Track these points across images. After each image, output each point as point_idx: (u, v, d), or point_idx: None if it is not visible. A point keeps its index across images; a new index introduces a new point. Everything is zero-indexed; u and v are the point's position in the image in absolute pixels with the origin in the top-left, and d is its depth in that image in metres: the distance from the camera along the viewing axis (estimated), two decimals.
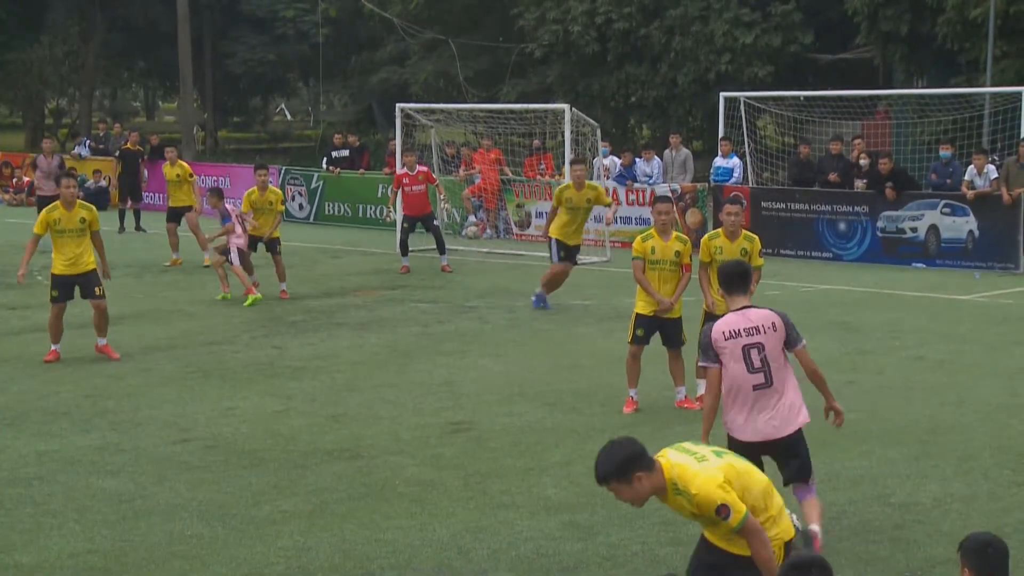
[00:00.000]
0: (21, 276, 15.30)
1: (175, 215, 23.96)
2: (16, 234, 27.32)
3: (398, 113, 26.67)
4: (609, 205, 19.88)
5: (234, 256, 19.65)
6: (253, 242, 20.01)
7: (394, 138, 27.46)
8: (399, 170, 23.66)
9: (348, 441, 11.59)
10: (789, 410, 8.37)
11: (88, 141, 38.39)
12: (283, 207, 20.43)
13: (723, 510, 6.35)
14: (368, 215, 30.17)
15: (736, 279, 8.52)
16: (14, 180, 37.14)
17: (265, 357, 15.27)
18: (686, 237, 13.13)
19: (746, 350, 8.23)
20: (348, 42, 49.79)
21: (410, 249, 23.06)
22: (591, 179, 26.55)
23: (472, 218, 27.61)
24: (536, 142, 28.90)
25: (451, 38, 41.13)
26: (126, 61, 61.74)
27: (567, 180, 20.48)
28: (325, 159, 31.97)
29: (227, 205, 20.41)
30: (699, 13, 33.76)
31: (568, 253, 18.74)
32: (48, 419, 12.39)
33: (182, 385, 13.86)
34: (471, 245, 25.02)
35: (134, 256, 23.55)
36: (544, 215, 27.30)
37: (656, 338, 12.99)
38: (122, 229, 28.17)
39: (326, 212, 31.00)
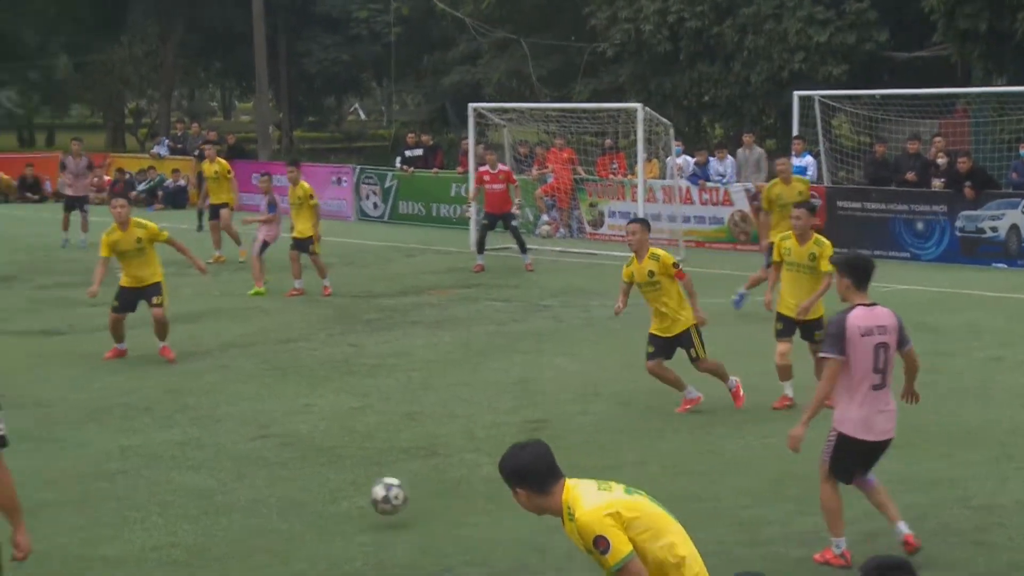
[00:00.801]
0: (91, 292, 15.17)
1: (215, 212, 24.22)
2: (95, 233, 27.70)
3: (471, 112, 26.71)
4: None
5: (256, 247, 19.90)
6: (302, 244, 19.93)
7: (467, 137, 27.52)
8: (480, 168, 23.76)
9: (424, 439, 11.63)
10: (894, 412, 8.44)
11: (167, 141, 38.86)
12: (315, 201, 20.17)
13: (601, 542, 5.76)
14: (441, 214, 30.24)
15: (865, 273, 8.52)
16: (95, 179, 37.59)
17: (341, 355, 15.36)
18: (822, 241, 12.64)
19: (876, 348, 8.25)
20: (421, 42, 49.93)
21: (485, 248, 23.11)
22: (664, 178, 26.58)
23: (545, 217, 27.59)
24: (608, 141, 28.82)
25: (523, 37, 41.14)
26: (203, 61, 62.37)
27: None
28: (399, 158, 32.08)
29: (276, 196, 20.65)
30: (772, 11, 33.49)
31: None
32: (130, 414, 12.56)
33: (260, 382, 13.99)
34: (544, 244, 25.00)
35: (211, 254, 23.73)
36: (617, 215, 27.26)
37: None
38: (200, 227, 28.45)
39: (400, 211, 31.11)
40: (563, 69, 41.47)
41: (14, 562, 6.35)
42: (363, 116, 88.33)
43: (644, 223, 12.89)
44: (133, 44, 53.45)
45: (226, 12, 52.42)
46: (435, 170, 31.01)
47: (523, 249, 22.85)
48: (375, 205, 31.69)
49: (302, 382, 13.95)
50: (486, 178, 22.97)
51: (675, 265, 12.47)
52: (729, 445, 11.50)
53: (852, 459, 8.39)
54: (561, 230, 27.71)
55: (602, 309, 18.64)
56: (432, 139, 33.64)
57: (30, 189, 36.19)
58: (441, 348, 15.82)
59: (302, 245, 19.96)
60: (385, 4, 47.90)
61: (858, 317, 8.28)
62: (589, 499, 5.85)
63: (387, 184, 31.50)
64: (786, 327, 12.61)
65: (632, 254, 12.66)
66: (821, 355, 8.42)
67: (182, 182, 34.17)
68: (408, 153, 31.76)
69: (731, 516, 9.51)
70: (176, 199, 34.07)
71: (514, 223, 23.10)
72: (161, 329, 15.00)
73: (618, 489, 5.99)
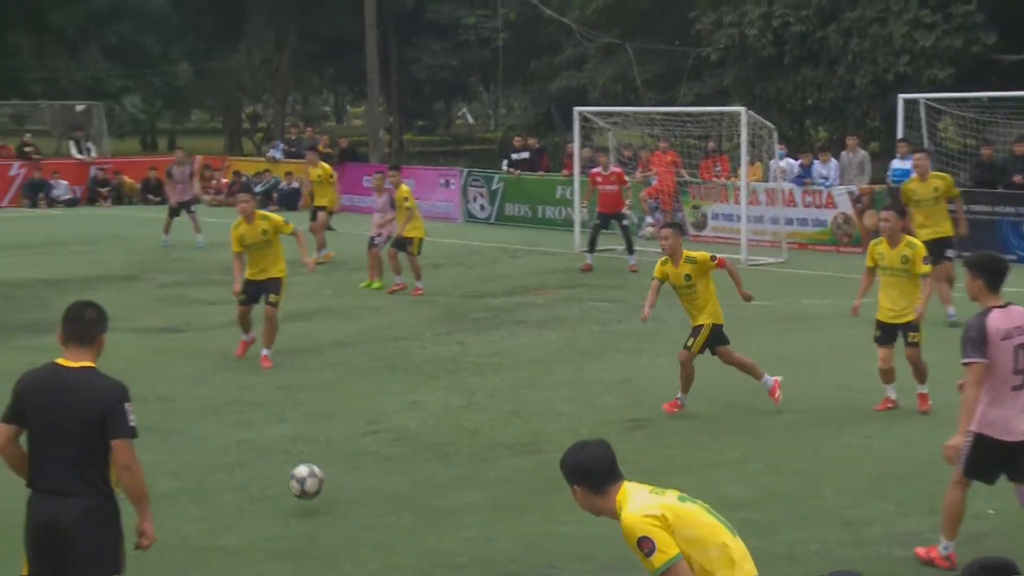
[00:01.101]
0: (235, 292, 15.14)
1: (315, 214, 24.48)
2: (215, 233, 28.18)
3: (576, 116, 26.73)
4: (959, 196, 18.00)
5: (382, 242, 20.57)
6: (402, 243, 20.29)
7: (572, 141, 27.55)
8: (592, 169, 23.84)
9: (529, 436, 11.68)
10: None
11: (281, 144, 39.44)
12: (410, 203, 20.39)
13: (645, 544, 5.51)
14: (547, 216, 30.29)
15: (999, 275, 8.28)
16: (213, 182, 38.28)
17: (449, 353, 15.47)
18: (915, 241, 12.44)
19: (1016, 350, 8.05)
20: (528, 47, 50.04)
21: (585, 250, 23.13)
22: (767, 181, 26.37)
23: (649, 219, 27.51)
24: (712, 144, 28.66)
25: (628, 42, 41.03)
26: (317, 68, 63.09)
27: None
28: (505, 161, 32.20)
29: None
30: (877, 15, 33.01)
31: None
32: (246, 409, 12.78)
33: (370, 379, 14.14)
34: (648, 245, 24.87)
35: (321, 253, 24.03)
36: (720, 217, 27.11)
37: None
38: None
39: (506, 213, 31.22)
40: (667, 73, 41.28)
41: (138, 550, 6.49)
42: (471, 120, 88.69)
43: (677, 228, 12.92)
44: (250, 52, 54.34)
45: (339, 20, 52.97)
46: (541, 173, 31.08)
47: (630, 250, 22.85)
48: (482, 207, 31.84)
49: (411, 379, 14.07)
50: (599, 179, 23.07)
51: (712, 258, 12.42)
52: (830, 445, 11.39)
53: (989, 460, 8.15)
54: None
55: None
56: (538, 142, 33.70)
57: (152, 191, 36.83)
58: (546, 347, 15.86)
59: (401, 244, 20.26)
60: (493, 10, 48.05)
61: (996, 319, 8.02)
62: (636, 501, 5.63)
63: (494, 186, 31.63)
64: (884, 333, 12.39)
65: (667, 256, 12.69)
66: (964, 361, 8.03)
67: (296, 184, 34.61)
68: (514, 156, 31.87)
69: (833, 515, 9.43)
70: (290, 201, 34.54)
71: (625, 223, 23.16)
72: (269, 329, 14.78)
73: (671, 495, 5.74)
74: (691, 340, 12.55)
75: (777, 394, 12.59)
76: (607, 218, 23.09)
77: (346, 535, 9.14)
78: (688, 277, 12.43)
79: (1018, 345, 8.02)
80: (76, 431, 6.10)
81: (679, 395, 12.61)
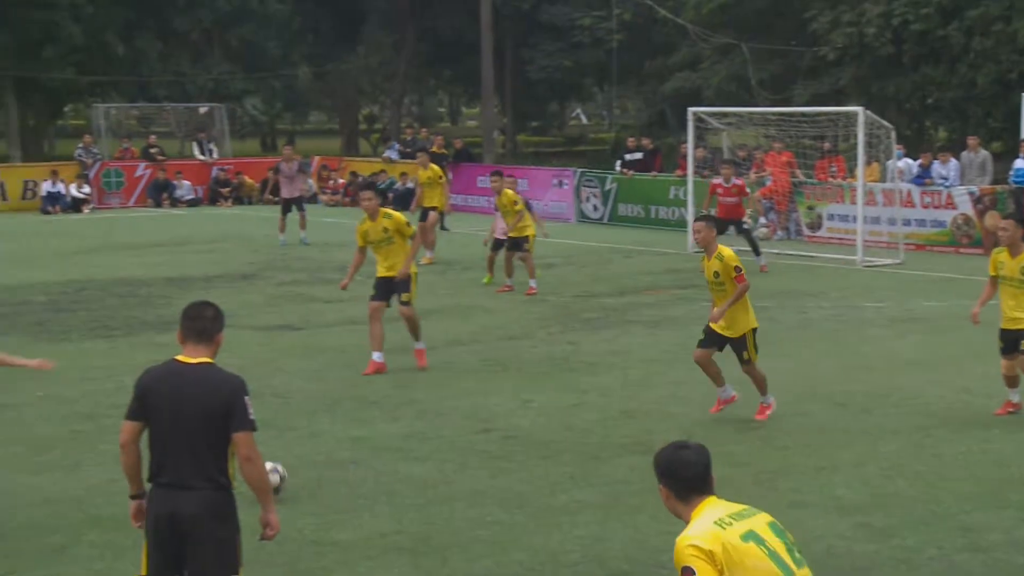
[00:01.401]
0: (342, 285, 15.13)
1: (425, 215, 24.50)
2: (332, 233, 28.50)
3: (690, 117, 26.54)
4: None
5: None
6: (516, 243, 20.48)
7: (686, 141, 27.36)
8: (714, 180, 23.66)
9: (641, 435, 11.61)
10: None
11: (397, 145, 39.74)
12: (520, 207, 20.55)
13: (686, 573, 5.25)
14: (660, 216, 30.13)
15: None
16: (331, 182, 38.73)
17: (560, 352, 15.45)
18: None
19: None
20: (642, 47, 49.84)
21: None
22: (884, 181, 25.90)
23: (763, 220, 27.23)
24: (828, 145, 28.25)
25: (743, 42, 40.66)
26: (433, 70, 63.53)
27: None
28: (619, 161, 32.11)
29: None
30: (1001, 12, 32.30)
31: None
32: (360, 407, 12.87)
33: (482, 378, 14.16)
34: (761, 246, 24.60)
35: (438, 254, 24.19)
36: (836, 218, 26.70)
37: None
38: (444, 228, 28.91)
39: (619, 213, 31.13)
40: (783, 73, 40.83)
41: (262, 541, 6.54)
42: (584, 120, 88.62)
43: (709, 220, 12.46)
44: (368, 54, 54.89)
45: (456, 22, 53.33)
46: (654, 173, 30.92)
47: (757, 251, 22.68)
48: (595, 207, 31.78)
49: (523, 378, 14.07)
50: (719, 191, 22.92)
51: (737, 269, 11.93)
52: (948, 449, 11.14)
53: None
54: (779, 232, 27.30)
55: (819, 311, 18.32)
56: (652, 143, 33.54)
57: (272, 192, 37.34)
58: (658, 347, 15.76)
59: (517, 244, 20.39)
60: (608, 11, 47.93)
61: None
62: (698, 526, 5.31)
63: (607, 187, 31.55)
64: (1006, 343, 12.07)
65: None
66: None
67: (410, 184, 34.78)
68: (628, 156, 31.76)
69: (951, 521, 9.22)
70: (404, 201, 34.63)
71: (745, 226, 22.99)
72: (411, 327, 14.67)
73: (738, 529, 5.28)
74: (745, 353, 12.17)
75: (721, 407, 12.34)
76: (725, 224, 22.87)
77: (458, 532, 9.15)
78: (716, 274, 12.10)
79: None
80: (197, 425, 6.18)
81: (720, 391, 12.33)
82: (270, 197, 32.21)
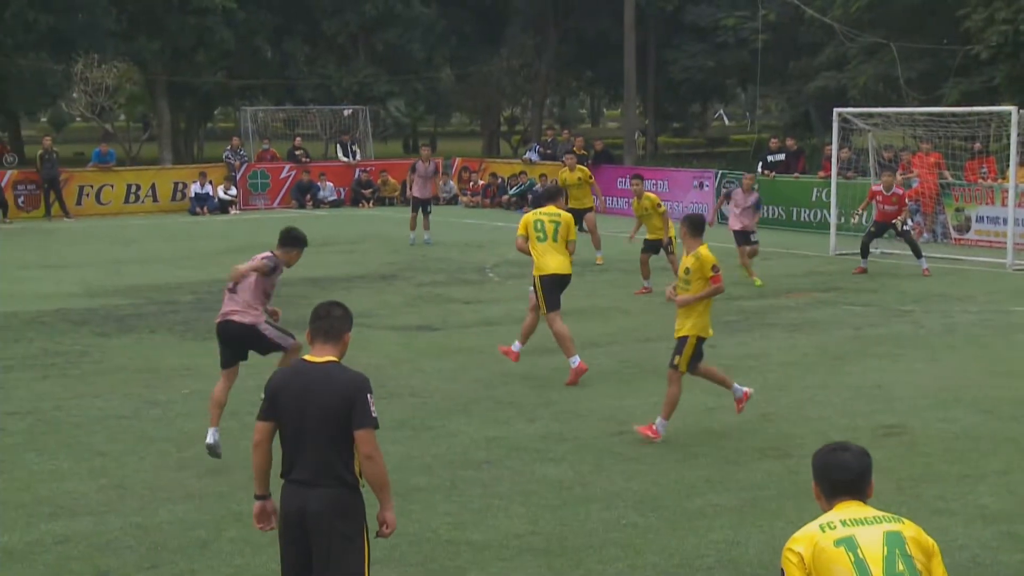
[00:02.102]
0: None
1: (579, 218, 24.29)
2: (472, 234, 28.71)
3: (835, 117, 26.13)
4: None
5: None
6: (655, 245, 20.61)
7: (830, 142, 26.94)
8: (874, 186, 23.31)
9: (778, 440, 11.47)
10: None
11: (538, 147, 39.85)
12: (663, 208, 20.89)
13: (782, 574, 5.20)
14: (803, 218, 29.73)
15: None
16: (471, 184, 39.01)
17: None
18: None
19: None
20: (787, 47, 49.26)
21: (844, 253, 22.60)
22: None
23: (910, 222, 26.66)
24: (978, 145, 27.58)
25: (892, 41, 39.87)
26: (575, 71, 63.62)
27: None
28: (760, 163, 31.76)
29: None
30: None
31: None
32: (497, 407, 12.93)
33: (619, 379, 14.14)
34: (907, 249, 24.14)
35: (575, 256, 24.10)
36: (985, 220, 26.03)
37: None
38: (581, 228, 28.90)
39: (761, 215, 30.71)
40: (932, 72, 39.94)
41: (379, 538, 6.62)
42: (727, 122, 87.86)
43: (686, 220, 11.84)
44: (511, 56, 55.20)
45: (599, 23, 53.34)
46: (797, 175, 30.51)
47: (918, 254, 22.27)
48: None
49: (659, 380, 13.93)
50: (879, 198, 22.55)
51: (714, 268, 11.48)
52: None
53: None
54: (925, 235, 26.73)
55: (965, 315, 17.90)
56: (796, 144, 33.09)
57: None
58: (797, 351, 15.56)
59: (653, 247, 20.54)
60: (753, 11, 47.44)
61: None
62: (806, 527, 5.22)
63: None
64: None
65: None
66: None
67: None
68: (770, 158, 31.40)
69: None
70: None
71: (905, 228, 22.61)
72: (558, 341, 14.31)
73: (838, 533, 5.11)
74: (676, 357, 11.59)
75: (741, 406, 11.99)
76: (883, 227, 22.57)
77: (592, 534, 9.14)
78: (688, 271, 11.57)
79: None
80: (322, 423, 6.28)
81: (658, 420, 11.58)
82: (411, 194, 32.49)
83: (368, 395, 6.35)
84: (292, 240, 11.24)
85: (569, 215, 14.71)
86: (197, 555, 8.85)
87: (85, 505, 9.94)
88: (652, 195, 21.03)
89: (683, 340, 11.68)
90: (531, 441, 11.63)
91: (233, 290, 11.21)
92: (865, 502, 5.32)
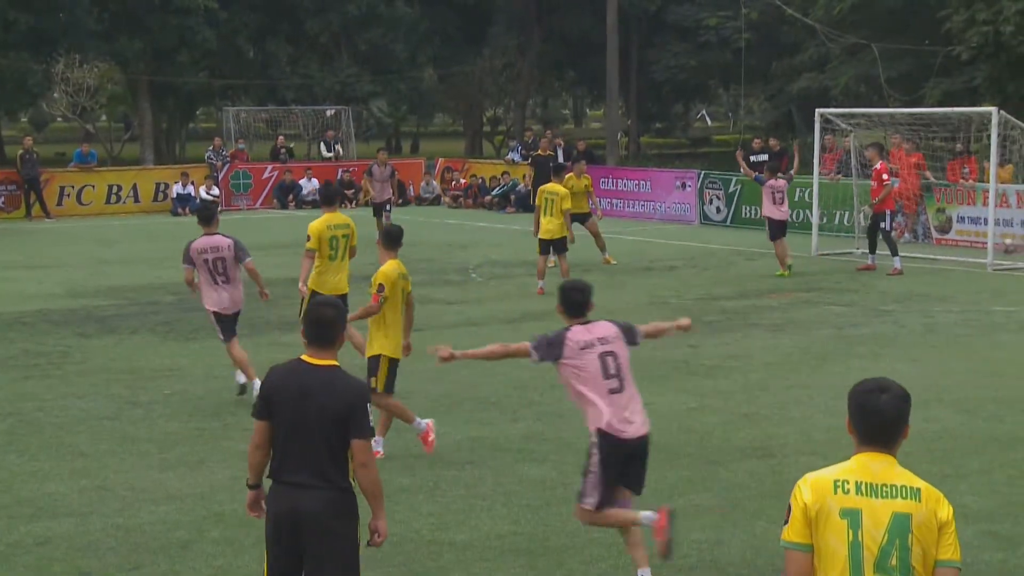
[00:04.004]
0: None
1: (585, 221, 24.22)
2: (455, 234, 28.69)
3: (817, 118, 26.19)
4: None
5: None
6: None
7: (812, 142, 27.00)
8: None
9: (760, 440, 11.50)
10: None
11: (520, 147, 39.84)
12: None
13: (786, 510, 5.06)
14: None
15: None
16: (453, 183, 39.00)
17: (680, 355, 15.35)
18: None
19: None
20: (769, 47, 49.37)
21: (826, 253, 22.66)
22: (1019, 183, 25.25)
23: (891, 221, 26.71)
24: (959, 146, 27.65)
25: (874, 42, 40.00)
26: (558, 71, 63.66)
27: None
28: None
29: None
30: None
31: None
32: (480, 408, 12.93)
33: None
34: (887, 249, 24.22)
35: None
36: (966, 220, 26.12)
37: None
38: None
39: (743, 215, 30.85)
40: (913, 72, 40.09)
41: (370, 547, 6.61)
42: (709, 122, 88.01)
43: (381, 235, 11.45)
44: (493, 56, 55.21)
45: (582, 23, 53.41)
46: (791, 174, 30.50)
47: (894, 252, 22.34)
48: (718, 209, 31.56)
49: (642, 381, 13.72)
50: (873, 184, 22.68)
51: (379, 288, 10.91)
52: None
53: None
54: (906, 235, 26.80)
55: (946, 315, 17.96)
56: (779, 144, 33.13)
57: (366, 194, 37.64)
58: (780, 350, 15.60)
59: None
60: (735, 11, 47.54)
61: None
62: (823, 470, 5.06)
63: (731, 189, 31.30)
64: None
65: None
66: None
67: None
68: (753, 158, 31.42)
69: None
70: (526, 203, 34.64)
71: (884, 226, 22.62)
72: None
73: (850, 499, 4.94)
74: (372, 379, 10.89)
75: (431, 438, 11.06)
76: (878, 217, 22.66)
77: (575, 534, 9.15)
78: (380, 288, 10.96)
79: None
80: (320, 428, 6.25)
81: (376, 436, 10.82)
82: (364, 198, 31.93)
83: (368, 405, 6.34)
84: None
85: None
86: (179, 556, 8.83)
87: (66, 506, 9.91)
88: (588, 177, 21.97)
89: (375, 360, 11.11)
90: (514, 441, 11.64)
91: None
92: (894, 451, 5.06)
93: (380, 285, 10.96)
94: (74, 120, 44.30)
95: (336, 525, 6.26)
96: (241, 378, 13.37)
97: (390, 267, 11.12)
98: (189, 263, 13.35)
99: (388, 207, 27.75)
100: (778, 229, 22.17)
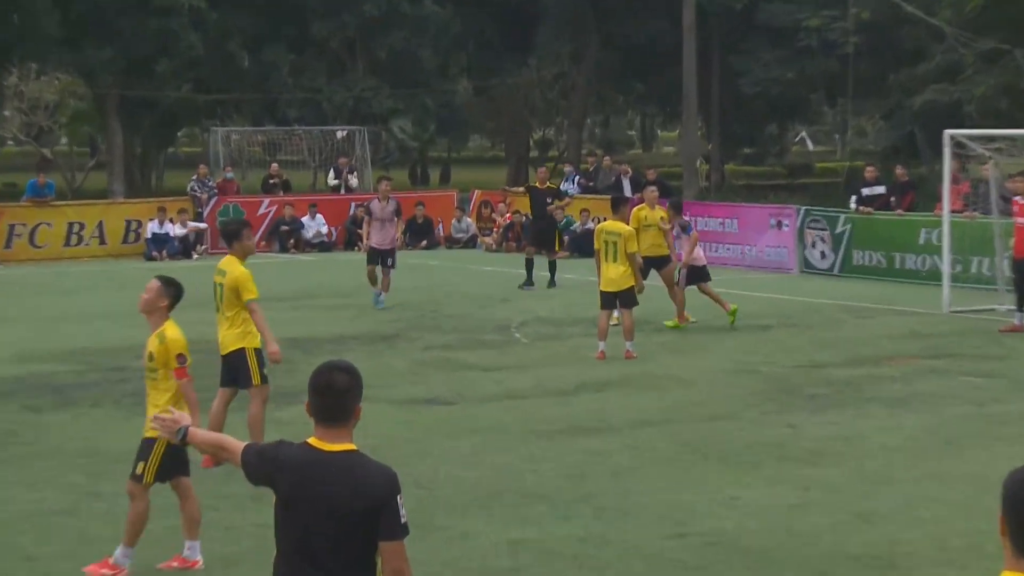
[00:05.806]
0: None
1: (663, 265, 24.05)
2: (494, 285, 28.60)
3: (946, 141, 26.04)
4: None
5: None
6: None
7: (940, 170, 26.88)
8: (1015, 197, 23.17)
9: (880, 546, 11.33)
10: None
11: (577, 176, 39.83)
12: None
13: None
14: (907, 266, 29.62)
15: None
16: (493, 222, 39.03)
17: (776, 437, 15.21)
18: None
19: None
20: (885, 54, 49.31)
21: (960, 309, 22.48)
22: None
23: None
24: None
25: (1017, 47, 39.89)
26: (622, 84, 63.89)
27: None
28: (854, 197, 31.71)
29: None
30: None
31: None
32: (524, 502, 12.80)
33: (676, 467, 14.01)
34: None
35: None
36: None
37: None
38: (531, 283, 28.01)
39: (854, 262, 30.73)
40: None
41: None
42: (811, 146, 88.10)
43: (160, 283, 11.73)
44: (541, 66, 55.44)
45: (650, 26, 53.44)
46: (900, 211, 30.41)
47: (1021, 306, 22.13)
48: (823, 254, 31.44)
49: (728, 469, 13.86)
50: (1015, 210, 22.35)
51: (179, 359, 11.26)
52: None
53: None
54: None
55: None
56: (906, 173, 32.99)
57: (418, 233, 37.65)
58: (903, 432, 15.44)
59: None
60: (842, 10, 47.53)
61: None
62: None
63: (839, 229, 31.19)
64: None
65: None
66: None
67: (591, 225, 34.68)
68: (866, 191, 31.34)
69: None
70: (582, 245, 34.23)
71: None
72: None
73: None
74: (140, 464, 11.01)
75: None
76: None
77: None
78: (151, 357, 11.28)
79: None
80: (338, 530, 6.05)
81: (119, 549, 10.89)
82: (361, 245, 30.30)
83: (399, 497, 6.11)
84: None
85: None
86: None
87: None
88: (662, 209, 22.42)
89: (149, 443, 11.04)
90: (567, 545, 11.51)
91: None
92: None
93: (181, 355, 11.35)
94: (28, 144, 44.80)
95: None
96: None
97: (176, 329, 11.68)
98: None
99: (391, 258, 26.23)
100: None
